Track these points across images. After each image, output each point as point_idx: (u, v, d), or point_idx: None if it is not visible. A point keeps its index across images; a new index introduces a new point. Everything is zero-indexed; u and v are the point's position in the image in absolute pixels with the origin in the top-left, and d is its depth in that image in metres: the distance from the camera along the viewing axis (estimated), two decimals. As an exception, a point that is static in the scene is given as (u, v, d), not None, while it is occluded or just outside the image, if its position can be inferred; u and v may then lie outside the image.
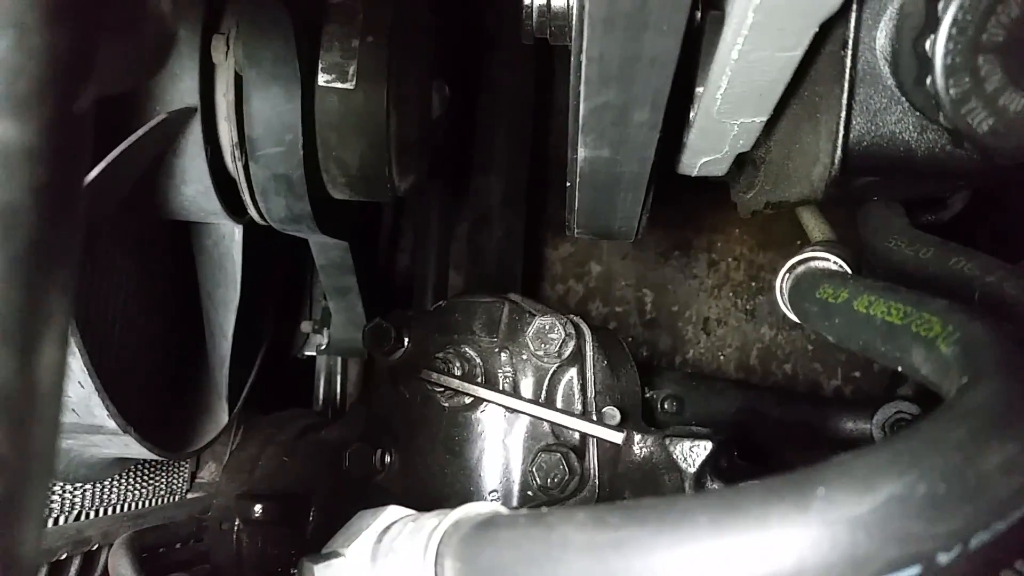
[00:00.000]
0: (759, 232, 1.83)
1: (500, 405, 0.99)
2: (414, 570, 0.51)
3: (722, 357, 1.85)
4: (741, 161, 0.87)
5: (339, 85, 0.94)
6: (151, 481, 1.17)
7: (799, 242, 1.87)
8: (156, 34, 0.34)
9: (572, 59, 0.72)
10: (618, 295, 1.88)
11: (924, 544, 0.36)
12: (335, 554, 0.61)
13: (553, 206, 1.84)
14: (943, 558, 0.36)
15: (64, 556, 0.96)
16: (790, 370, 1.80)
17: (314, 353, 1.51)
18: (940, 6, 0.56)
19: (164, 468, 1.21)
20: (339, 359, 1.52)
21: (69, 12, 0.26)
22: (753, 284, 1.86)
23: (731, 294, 1.86)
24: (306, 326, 1.50)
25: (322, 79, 0.94)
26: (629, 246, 1.87)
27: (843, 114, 0.67)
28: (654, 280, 1.86)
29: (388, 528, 0.60)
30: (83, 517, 1.01)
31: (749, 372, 1.80)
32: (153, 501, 1.17)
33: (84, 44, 0.28)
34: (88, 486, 1.02)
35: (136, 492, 1.13)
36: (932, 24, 0.56)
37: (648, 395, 1.30)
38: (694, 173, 0.87)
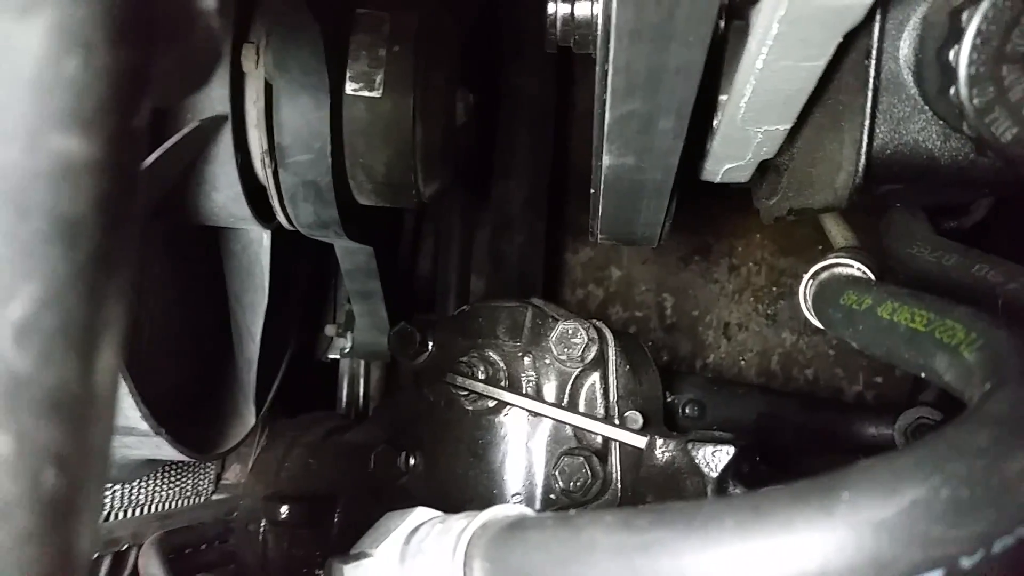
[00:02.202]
0: (780, 237, 1.83)
1: (524, 409, 1.00)
2: (443, 571, 0.52)
3: (743, 362, 1.84)
4: (764, 168, 0.88)
5: (366, 93, 0.95)
6: (178, 482, 1.19)
7: (820, 247, 1.88)
8: (205, 48, 0.36)
9: (597, 68, 0.73)
10: (638, 299, 1.88)
11: (947, 548, 0.36)
12: (364, 555, 0.62)
13: (573, 211, 1.84)
14: (966, 562, 0.37)
15: (96, 556, 0.98)
16: (811, 375, 1.79)
17: (337, 356, 1.53)
18: (964, 17, 0.56)
19: (190, 470, 1.23)
20: (362, 362, 1.53)
21: (131, 31, 0.28)
22: (774, 289, 1.85)
23: (752, 299, 1.86)
24: (330, 329, 1.52)
25: (350, 87, 0.95)
26: (650, 251, 1.88)
27: (867, 122, 0.67)
28: (674, 285, 1.86)
29: (416, 529, 0.61)
30: (113, 518, 1.03)
31: (770, 377, 1.79)
32: (180, 502, 1.19)
33: (143, 61, 0.29)
34: (118, 487, 1.04)
35: (163, 493, 1.15)
36: (956, 34, 0.57)
37: (669, 399, 1.31)
38: (717, 179, 0.88)
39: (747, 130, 0.74)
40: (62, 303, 0.26)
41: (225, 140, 0.93)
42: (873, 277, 0.76)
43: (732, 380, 1.73)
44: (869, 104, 0.67)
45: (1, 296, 0.24)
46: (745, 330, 1.85)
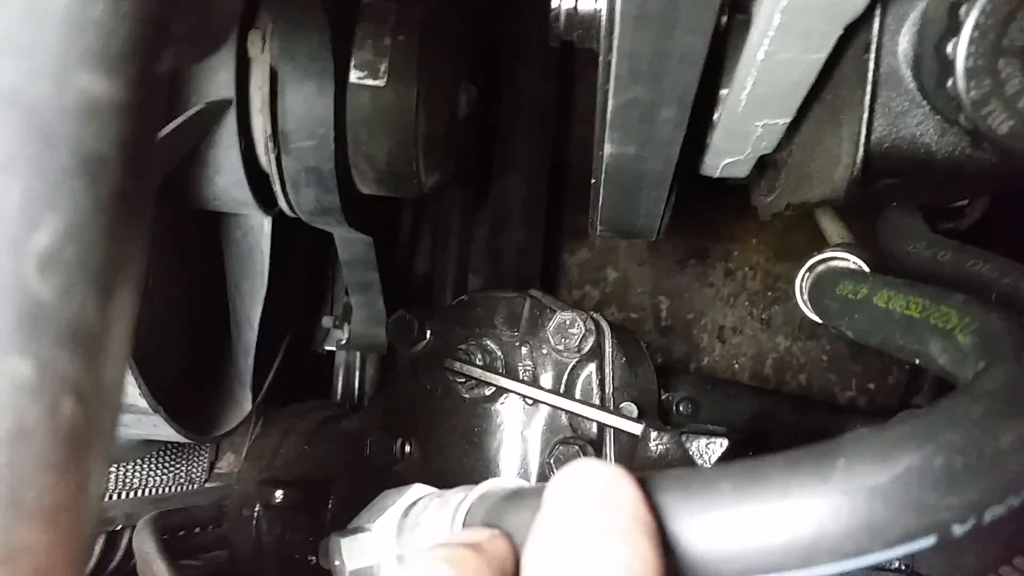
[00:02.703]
0: (776, 242, 1.84)
1: (521, 395, 1.00)
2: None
3: (736, 365, 1.85)
4: (762, 164, 0.89)
5: (370, 82, 0.96)
6: (171, 468, 1.20)
7: (815, 253, 1.89)
8: (220, 14, 0.36)
9: (601, 58, 0.74)
10: (634, 301, 1.89)
11: (940, 515, 0.37)
12: (361, 529, 0.63)
13: (571, 212, 1.85)
14: (958, 529, 0.37)
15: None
16: (804, 380, 1.80)
17: (334, 348, 1.53)
18: (962, 11, 0.57)
19: (184, 456, 1.23)
20: (358, 355, 1.53)
21: (156, -20, 0.28)
22: (769, 294, 1.86)
23: (747, 303, 1.87)
24: (327, 321, 1.52)
25: (354, 76, 0.96)
26: (646, 253, 1.89)
27: (865, 116, 0.68)
28: (670, 287, 1.87)
29: (414, 504, 0.61)
30: (107, 498, 1.04)
31: (763, 381, 1.80)
32: (174, 488, 1.19)
33: (165, 11, 0.30)
34: (114, 468, 1.04)
35: (157, 478, 1.15)
36: (954, 28, 0.58)
37: (664, 397, 1.32)
38: (716, 174, 0.88)
39: (747, 123, 0.75)
40: (84, 236, 0.27)
41: (229, 124, 0.93)
42: (868, 270, 0.76)
43: (726, 380, 1.74)
44: (868, 98, 0.68)
45: (27, 224, 0.25)
46: (740, 334, 1.86)
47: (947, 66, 0.59)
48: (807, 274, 0.80)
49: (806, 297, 0.79)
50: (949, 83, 0.59)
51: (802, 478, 0.38)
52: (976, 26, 0.56)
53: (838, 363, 1.78)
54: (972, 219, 1.02)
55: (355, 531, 0.63)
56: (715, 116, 0.79)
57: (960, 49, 0.57)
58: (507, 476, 1.01)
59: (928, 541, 0.38)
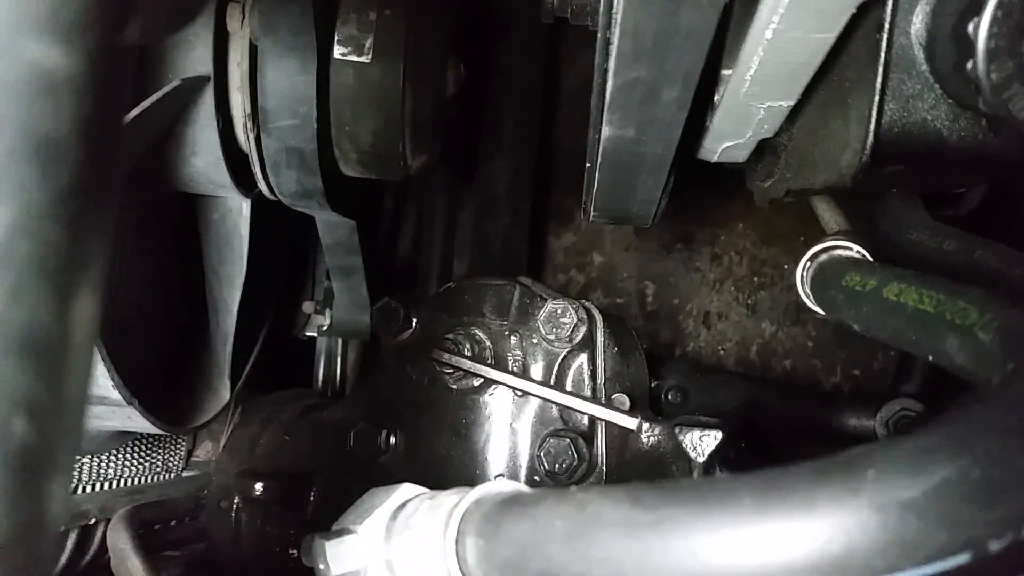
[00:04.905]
0: (763, 227, 1.82)
1: (511, 387, 0.97)
2: (433, 548, 0.50)
3: (722, 351, 1.84)
4: (760, 148, 0.86)
5: (355, 58, 0.92)
6: (148, 458, 1.16)
7: (803, 239, 1.87)
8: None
9: (599, 35, 0.71)
10: (619, 286, 1.87)
11: (976, 530, 0.35)
12: (347, 531, 0.59)
13: (557, 195, 1.82)
14: (994, 545, 0.35)
15: (62, 528, 0.95)
16: (790, 366, 1.79)
17: (315, 334, 1.49)
18: (985, -12, 0.54)
19: (161, 445, 1.19)
20: (340, 341, 1.50)
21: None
22: (755, 279, 1.85)
23: (733, 288, 1.85)
24: (308, 306, 1.48)
25: (338, 52, 0.92)
26: (632, 238, 1.86)
27: (876, 99, 0.66)
28: (656, 272, 1.85)
29: (403, 506, 0.58)
30: (81, 491, 1.00)
31: (749, 367, 1.79)
32: (149, 478, 1.16)
33: (131, -26, 0.26)
34: (87, 459, 1.00)
35: (133, 468, 1.12)
36: (976, 6, 0.55)
37: (652, 385, 1.29)
38: (715, 158, 0.86)
39: (750, 106, 0.72)
40: (38, 232, 0.23)
41: (206, 102, 0.89)
42: (874, 261, 0.74)
43: (715, 367, 1.72)
44: (879, 80, 0.65)
45: (-32, 218, 0.22)
46: (725, 319, 1.85)
47: (966, 47, 0.56)
48: (808, 263, 0.77)
49: (808, 288, 0.76)
50: (969, 65, 0.56)
51: (830, 491, 0.35)
52: (1000, 4, 0.53)
53: (823, 349, 1.77)
54: (971, 206, 1.00)
55: (340, 533, 0.60)
56: (716, 98, 0.76)
57: (982, 28, 0.54)
58: (498, 473, 0.98)
59: (963, 559, 0.35)
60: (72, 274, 0.25)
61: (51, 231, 0.24)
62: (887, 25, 0.64)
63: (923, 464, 0.35)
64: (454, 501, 0.51)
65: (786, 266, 1.81)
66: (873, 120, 0.66)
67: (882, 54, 0.65)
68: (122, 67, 0.27)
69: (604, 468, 0.96)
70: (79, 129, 0.24)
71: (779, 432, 1.38)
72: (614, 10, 0.60)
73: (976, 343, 0.49)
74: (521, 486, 0.50)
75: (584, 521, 0.40)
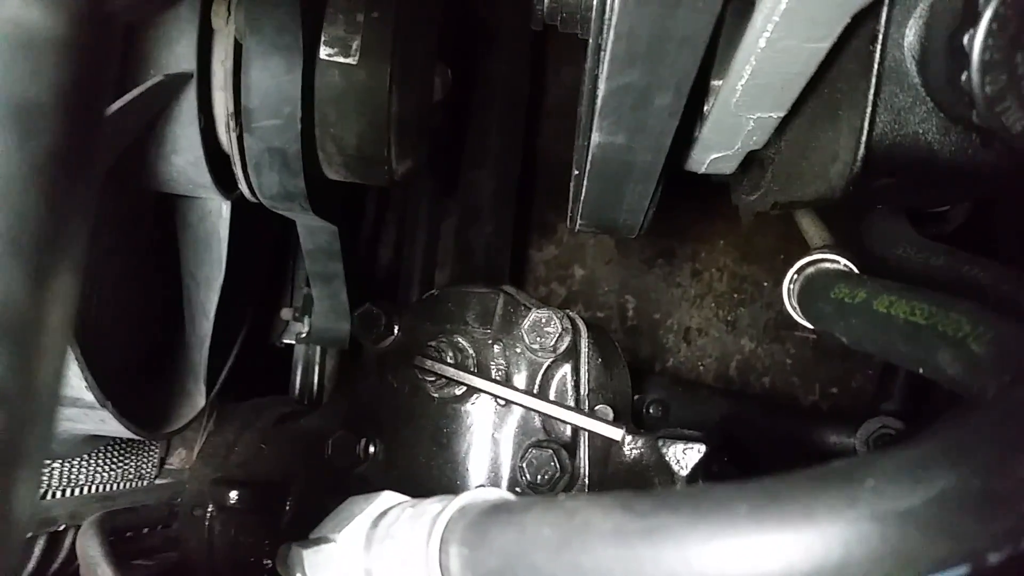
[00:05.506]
0: (743, 244, 1.83)
1: (494, 396, 0.96)
2: (415, 557, 0.48)
3: (701, 367, 1.84)
4: (747, 161, 0.86)
5: (341, 60, 0.91)
6: (120, 464, 1.13)
7: (783, 256, 1.88)
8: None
9: (590, 41, 0.70)
10: (600, 300, 1.86)
11: (976, 542, 0.34)
12: (325, 539, 0.58)
13: (539, 207, 1.82)
14: (993, 557, 0.34)
15: (29, 535, 0.92)
16: (768, 383, 1.79)
17: (293, 341, 1.47)
18: (981, 0, 0.54)
19: (133, 451, 1.17)
20: (318, 349, 1.48)
21: None
22: (735, 296, 1.85)
23: (713, 304, 1.86)
24: (286, 313, 1.46)
25: (324, 52, 0.91)
26: (614, 251, 1.86)
27: (868, 111, 0.65)
28: (637, 287, 1.85)
29: (384, 514, 0.57)
30: (50, 496, 0.97)
31: (728, 383, 1.79)
32: (121, 484, 1.13)
33: (119, -61, 0.25)
34: (57, 464, 0.97)
35: (104, 474, 1.09)
36: (971, 18, 0.55)
37: (634, 398, 1.29)
38: (702, 170, 0.85)
39: (740, 117, 0.72)
40: (12, 203, 0.22)
41: (189, 100, 0.88)
42: (862, 274, 0.74)
43: (695, 382, 1.72)
44: (872, 92, 0.65)
45: (-64, 186, 0.20)
46: (705, 335, 1.85)
47: (960, 59, 0.56)
48: (796, 276, 0.77)
49: (795, 301, 0.76)
50: (963, 77, 0.56)
51: (828, 501, 0.34)
52: (996, 16, 0.53)
53: (802, 366, 1.78)
54: (955, 223, 1.00)
55: (318, 541, 0.58)
56: (706, 108, 0.75)
57: (977, 40, 0.54)
58: (480, 484, 0.97)
59: (961, 570, 0.34)
60: (49, 252, 0.23)
61: (26, 203, 0.22)
62: (880, 36, 0.64)
63: (922, 474, 0.34)
64: (437, 509, 0.49)
65: (766, 284, 1.81)
66: (865, 132, 0.66)
67: (875, 66, 0.65)
68: (107, 36, 0.25)
69: (587, 480, 0.95)
70: (59, 95, 0.23)
71: (760, 447, 1.37)
72: (608, 14, 0.60)
73: (969, 355, 0.49)
74: (506, 494, 0.49)
75: (573, 529, 0.39)
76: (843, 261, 0.76)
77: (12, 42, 0.21)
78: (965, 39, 0.55)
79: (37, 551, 0.96)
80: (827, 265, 0.75)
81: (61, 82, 0.23)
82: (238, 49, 0.88)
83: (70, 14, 0.23)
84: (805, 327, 0.78)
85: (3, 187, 0.21)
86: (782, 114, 0.70)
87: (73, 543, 0.99)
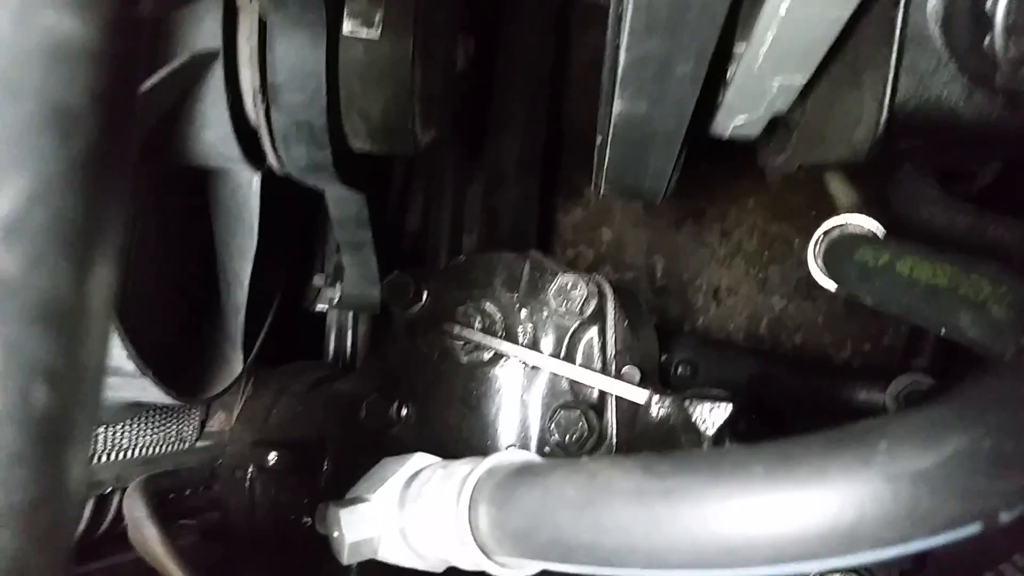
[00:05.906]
0: (773, 203, 1.81)
1: (521, 360, 0.98)
2: (446, 516, 0.50)
3: (732, 326, 1.83)
4: (772, 124, 0.86)
5: (365, 33, 0.91)
6: (162, 428, 1.17)
7: (814, 213, 1.86)
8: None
9: (611, 10, 0.70)
10: (629, 261, 1.86)
11: (988, 501, 0.35)
12: (360, 499, 0.60)
13: (566, 171, 1.82)
14: (1005, 516, 0.35)
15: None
16: (799, 341, 1.79)
17: (325, 308, 1.49)
18: (1004, -40, 0.54)
19: (175, 416, 1.20)
20: (350, 314, 1.50)
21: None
22: (765, 254, 1.84)
23: (743, 263, 1.85)
24: (318, 280, 1.48)
25: (347, 26, 0.91)
26: (642, 213, 1.86)
27: (891, 75, 0.65)
28: (666, 247, 1.85)
29: (416, 475, 0.59)
30: (96, 460, 1.01)
31: (758, 342, 1.79)
32: (164, 448, 1.16)
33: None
34: (102, 430, 1.01)
35: (147, 438, 1.13)
36: (995, -21, 0.54)
37: (661, 359, 1.30)
38: (727, 135, 0.85)
39: (764, 81, 0.72)
40: (55, 200, 0.23)
41: (216, 77, 0.89)
42: (886, 236, 0.74)
43: (724, 341, 1.72)
44: (894, 56, 0.65)
45: (-12, 187, 0.22)
46: (735, 295, 1.84)
47: (984, 23, 0.56)
48: (822, 237, 0.77)
49: (820, 263, 0.76)
50: (986, 41, 0.55)
51: (842, 462, 0.36)
52: (1019, -23, 0.52)
53: (834, 324, 1.77)
54: (983, 182, 0.99)
55: (354, 501, 0.61)
56: (729, 73, 0.75)
57: (1001, 4, 0.53)
58: (509, 444, 0.99)
59: (973, 529, 0.35)
60: (88, 243, 0.25)
61: (67, 200, 0.24)
62: (903, 1, 0.63)
63: (935, 435, 0.35)
64: (467, 470, 0.51)
65: (796, 242, 1.80)
66: (887, 96, 0.66)
67: (897, 30, 0.64)
68: (136, 39, 0.27)
69: (615, 440, 0.97)
70: (94, 98, 0.24)
71: (789, 406, 1.38)
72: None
73: (989, 317, 0.49)
74: (533, 456, 0.51)
75: (595, 490, 0.41)
76: (868, 224, 0.76)
77: (49, 52, 0.23)
78: (988, 3, 0.55)
79: (87, 513, 1.00)
80: (852, 228, 0.75)
81: (95, 86, 0.24)
82: (263, 26, 0.89)
83: (103, 21, 0.24)
84: (830, 289, 0.78)
85: (45, 186, 0.23)
86: (805, 78, 0.70)
87: (120, 505, 1.03)
